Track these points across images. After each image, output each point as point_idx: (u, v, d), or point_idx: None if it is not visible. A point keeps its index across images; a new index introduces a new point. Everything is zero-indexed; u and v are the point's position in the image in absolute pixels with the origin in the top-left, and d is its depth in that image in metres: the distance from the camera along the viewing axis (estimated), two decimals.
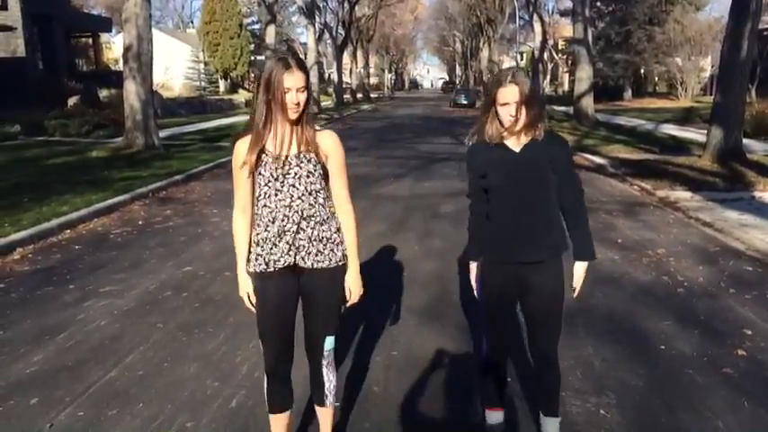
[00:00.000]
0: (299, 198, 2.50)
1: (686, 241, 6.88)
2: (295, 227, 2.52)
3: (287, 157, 2.48)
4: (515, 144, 2.75)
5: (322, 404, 2.80)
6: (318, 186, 2.54)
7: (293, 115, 2.43)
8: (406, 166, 13.15)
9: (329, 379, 2.75)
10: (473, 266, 2.99)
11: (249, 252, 2.60)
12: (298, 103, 2.41)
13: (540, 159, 2.73)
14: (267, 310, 2.59)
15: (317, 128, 2.59)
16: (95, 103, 22.40)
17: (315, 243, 2.56)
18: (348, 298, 2.71)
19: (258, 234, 2.56)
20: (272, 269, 2.56)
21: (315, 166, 2.52)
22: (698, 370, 3.85)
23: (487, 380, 3.06)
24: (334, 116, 30.48)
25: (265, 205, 2.52)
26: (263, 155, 2.49)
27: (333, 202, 2.65)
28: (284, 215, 2.51)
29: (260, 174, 2.50)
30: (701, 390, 3.61)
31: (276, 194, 2.50)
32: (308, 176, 2.50)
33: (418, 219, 8.14)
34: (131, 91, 14.33)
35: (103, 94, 24.04)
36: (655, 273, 5.79)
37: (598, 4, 40.16)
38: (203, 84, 46.37)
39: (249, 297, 2.62)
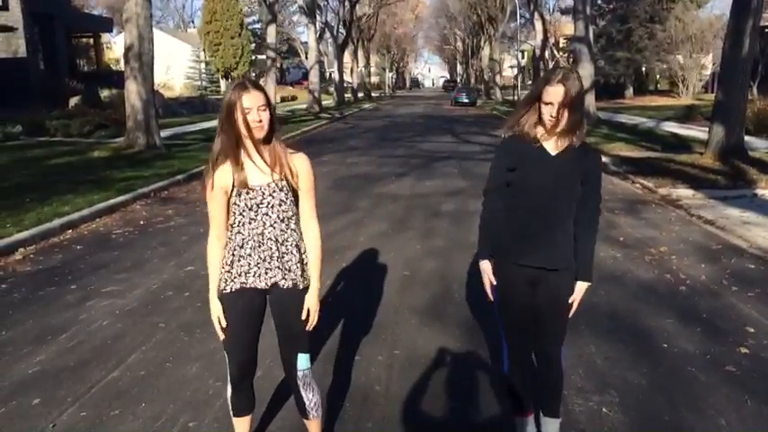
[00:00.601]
0: (272, 226, 2.55)
1: (688, 239, 6.87)
2: (277, 252, 2.57)
3: (260, 187, 2.52)
4: (552, 147, 2.70)
5: (306, 418, 2.84)
6: (290, 213, 2.59)
7: (259, 133, 2.46)
8: (407, 164, 13.14)
9: (309, 398, 2.76)
10: (485, 266, 2.88)
11: (220, 273, 2.63)
12: (260, 121, 2.44)
13: (573, 169, 2.68)
14: (231, 327, 2.64)
15: (290, 150, 2.62)
16: (97, 104, 22.42)
17: (284, 266, 2.60)
18: (304, 317, 2.66)
19: (230, 258, 2.60)
20: (242, 286, 2.60)
21: (287, 194, 2.56)
22: (700, 368, 3.84)
23: (513, 392, 3.00)
24: (336, 115, 30.48)
25: (239, 232, 2.57)
26: (237, 185, 2.52)
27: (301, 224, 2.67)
28: (258, 242, 2.56)
29: (235, 204, 2.54)
30: (703, 388, 3.60)
31: (250, 223, 2.54)
32: (280, 205, 2.55)
33: (419, 218, 8.13)
34: (132, 91, 14.34)
35: (105, 94, 24.06)
36: (657, 271, 5.78)
37: (599, 1, 40.09)
38: (204, 83, 46.45)
39: (219, 321, 2.64)
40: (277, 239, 2.56)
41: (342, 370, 3.87)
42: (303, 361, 2.73)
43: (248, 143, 2.50)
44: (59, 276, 5.76)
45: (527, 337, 2.90)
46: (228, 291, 2.60)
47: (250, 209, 2.53)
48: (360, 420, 3.31)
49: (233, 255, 2.58)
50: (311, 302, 2.67)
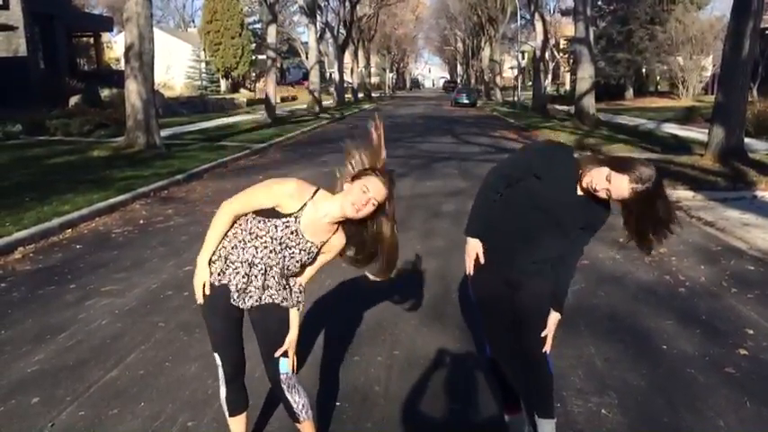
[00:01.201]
0: (276, 266, 2.55)
1: (688, 240, 6.87)
2: (259, 289, 2.58)
3: (303, 238, 2.52)
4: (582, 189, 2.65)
5: (297, 421, 2.82)
6: (294, 270, 2.61)
7: (354, 214, 2.47)
8: (407, 165, 13.13)
9: (295, 401, 2.75)
10: (472, 242, 2.84)
11: (211, 261, 2.64)
12: (363, 207, 2.45)
13: (586, 220, 2.72)
14: (221, 329, 2.67)
15: (339, 230, 2.61)
16: (97, 103, 22.41)
17: (269, 302, 2.63)
18: (285, 344, 2.69)
19: (219, 260, 2.62)
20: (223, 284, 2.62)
21: (310, 257, 2.58)
22: (700, 369, 3.84)
23: (498, 378, 3.04)
24: (336, 115, 30.47)
25: (244, 243, 2.56)
26: (293, 218, 2.51)
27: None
28: (251, 265, 2.56)
29: (274, 225, 2.51)
30: (702, 389, 3.60)
31: (259, 249, 2.53)
32: (298, 262, 2.56)
33: (419, 218, 8.13)
34: (133, 90, 14.33)
35: (105, 93, 24.05)
36: (656, 272, 5.78)
37: (599, 3, 40.11)
38: (204, 83, 46.46)
39: (204, 287, 2.64)
40: (265, 278, 2.57)
41: (341, 370, 3.87)
42: (284, 365, 2.72)
43: (334, 210, 2.51)
44: (59, 275, 5.76)
45: (507, 338, 2.92)
46: (215, 284, 2.61)
47: (274, 239, 2.51)
48: (359, 421, 3.31)
49: (223, 259, 2.60)
50: (291, 340, 2.70)
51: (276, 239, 2.51)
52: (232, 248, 2.58)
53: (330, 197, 2.55)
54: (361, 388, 3.65)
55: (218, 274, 2.61)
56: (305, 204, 2.51)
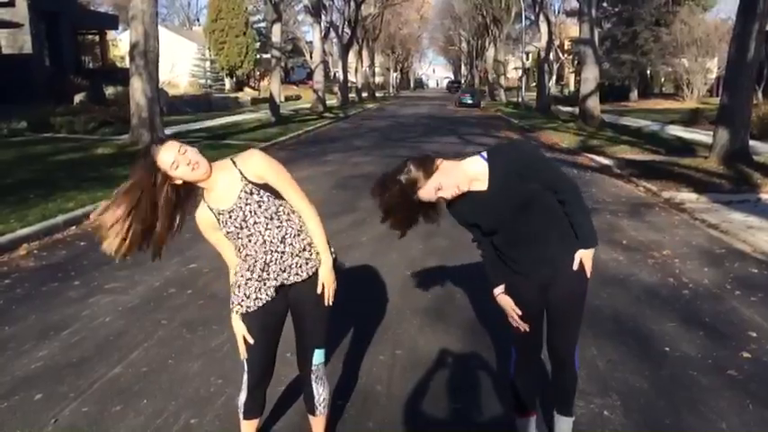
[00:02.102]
0: (267, 229, 2.54)
1: (692, 243, 6.85)
2: (279, 255, 2.57)
3: (235, 204, 2.51)
4: (475, 185, 2.54)
5: (313, 414, 2.86)
6: (274, 208, 2.55)
7: (201, 173, 2.43)
8: None
9: (319, 392, 2.80)
10: (498, 292, 2.79)
11: (233, 295, 2.64)
12: (189, 162, 2.38)
13: (514, 186, 2.53)
14: (252, 338, 2.65)
15: (235, 159, 2.57)
16: (101, 100, 22.48)
17: (298, 257, 2.61)
18: (321, 290, 2.68)
19: (242, 276, 2.62)
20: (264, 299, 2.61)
21: (260, 194, 2.53)
22: (702, 372, 3.84)
23: (517, 393, 2.98)
24: (340, 115, 30.49)
25: (247, 254, 2.57)
26: (219, 215, 2.53)
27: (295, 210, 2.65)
28: (264, 251, 2.56)
29: (228, 232, 2.54)
30: (705, 392, 3.59)
31: (249, 240, 2.54)
32: (260, 206, 2.52)
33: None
34: (137, 88, 14.37)
35: (110, 91, 24.11)
36: (660, 274, 5.77)
37: (604, 4, 40.00)
38: (209, 81, 46.49)
39: (246, 339, 2.65)
40: (277, 239, 2.55)
41: (343, 370, 3.88)
42: (318, 356, 2.75)
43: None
44: (62, 272, 5.78)
45: (537, 341, 2.88)
46: (245, 312, 2.61)
47: (241, 228, 2.52)
48: (361, 420, 3.31)
49: (249, 272, 2.59)
50: (324, 276, 2.67)
51: (239, 228, 2.52)
52: (246, 270, 2.61)
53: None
54: (364, 387, 3.65)
55: (244, 299, 2.62)
56: (206, 204, 2.56)
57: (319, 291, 2.67)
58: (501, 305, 2.80)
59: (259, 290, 2.60)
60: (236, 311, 2.63)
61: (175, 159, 2.35)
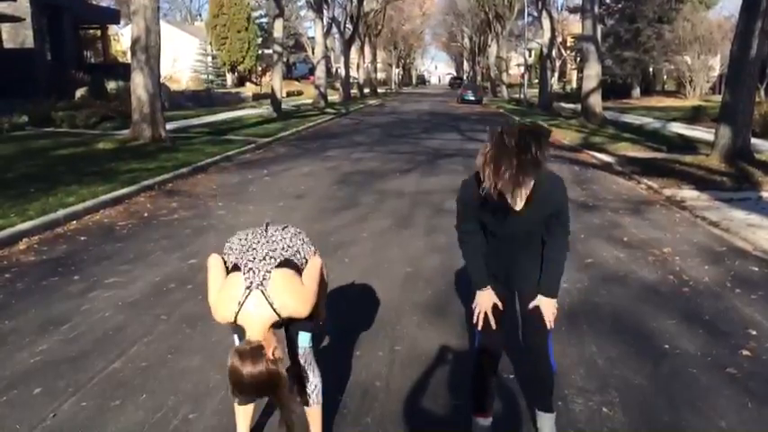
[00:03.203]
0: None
1: (692, 240, 6.85)
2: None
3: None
4: (514, 197, 2.44)
5: (306, 404, 2.84)
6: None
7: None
8: (412, 161, 13.13)
9: (309, 379, 2.78)
10: (483, 294, 2.87)
11: None
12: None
13: (541, 217, 2.69)
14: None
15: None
16: (103, 95, 22.47)
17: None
18: None
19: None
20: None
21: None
22: (702, 369, 3.83)
23: (476, 381, 3.07)
24: (341, 111, 30.46)
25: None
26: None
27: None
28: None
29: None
30: (704, 389, 3.59)
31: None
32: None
33: (424, 214, 8.13)
34: (139, 83, 14.36)
35: (111, 85, 24.09)
36: (660, 272, 5.77)
37: (607, 1, 39.93)
38: (211, 77, 46.45)
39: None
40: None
41: (342, 365, 3.87)
42: (304, 338, 2.74)
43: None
44: (63, 267, 5.78)
45: (500, 339, 2.97)
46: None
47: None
48: (359, 416, 3.31)
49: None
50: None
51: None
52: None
53: None
54: (362, 383, 3.65)
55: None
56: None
57: None
58: (480, 300, 2.88)
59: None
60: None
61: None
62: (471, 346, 3.08)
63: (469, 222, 2.85)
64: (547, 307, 2.83)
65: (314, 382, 2.80)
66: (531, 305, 2.85)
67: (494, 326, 2.90)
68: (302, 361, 2.75)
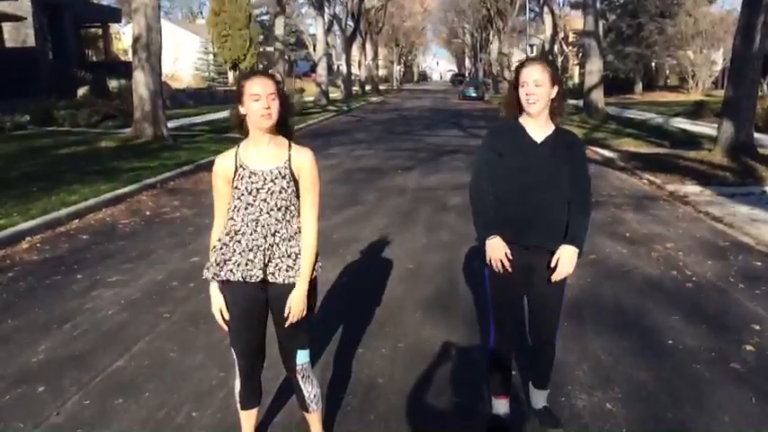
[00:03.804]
0: (267, 213, 2.54)
1: (695, 236, 6.83)
2: (266, 243, 2.56)
3: (263, 171, 2.52)
4: (536, 133, 2.81)
5: (306, 411, 2.86)
6: (288, 203, 2.57)
7: (266, 122, 2.46)
8: (413, 158, 13.12)
9: (308, 391, 2.79)
10: (492, 242, 2.82)
11: (211, 258, 2.64)
12: (268, 108, 2.43)
13: (557, 155, 2.78)
14: (238, 322, 2.64)
15: (295, 146, 2.62)
16: (105, 94, 22.46)
17: (284, 259, 2.59)
18: (286, 314, 2.62)
19: (221, 245, 2.61)
20: (239, 279, 2.60)
21: (288, 183, 2.55)
22: (705, 365, 3.82)
23: (494, 370, 3.11)
24: (343, 108, 30.44)
25: (232, 218, 2.56)
26: (241, 168, 2.53)
27: (300, 218, 2.64)
28: (252, 230, 2.54)
29: (235, 187, 2.54)
30: (708, 385, 3.58)
31: (246, 208, 2.54)
32: (280, 192, 2.54)
33: (425, 211, 8.12)
34: (140, 81, 14.36)
35: (113, 84, 24.09)
36: (663, 267, 5.75)
37: None
38: (212, 75, 46.43)
39: (222, 313, 2.65)
40: (270, 228, 2.55)
41: (345, 362, 3.87)
42: (302, 356, 2.74)
43: (256, 133, 2.52)
44: (65, 266, 5.79)
45: (515, 317, 3.01)
46: (222, 278, 2.61)
47: (249, 193, 2.52)
48: (362, 413, 3.31)
49: (230, 240, 2.57)
50: (293, 299, 2.60)
51: (248, 191, 2.53)
52: (227, 234, 2.59)
53: (248, 137, 2.57)
54: (366, 380, 3.65)
55: (220, 263, 2.60)
56: (235, 152, 2.56)
57: (286, 312, 2.61)
58: (491, 249, 2.83)
59: (237, 264, 2.57)
60: (208, 276, 2.64)
61: (259, 93, 2.44)
62: (488, 330, 3.07)
63: (485, 180, 2.88)
64: (568, 258, 2.79)
65: (313, 392, 2.81)
66: (554, 260, 2.80)
67: (510, 309, 2.95)
68: (300, 377, 2.75)
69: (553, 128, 2.83)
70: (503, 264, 2.81)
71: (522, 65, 2.78)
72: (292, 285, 2.61)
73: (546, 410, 3.19)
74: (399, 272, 5.65)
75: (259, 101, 2.43)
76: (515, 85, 2.79)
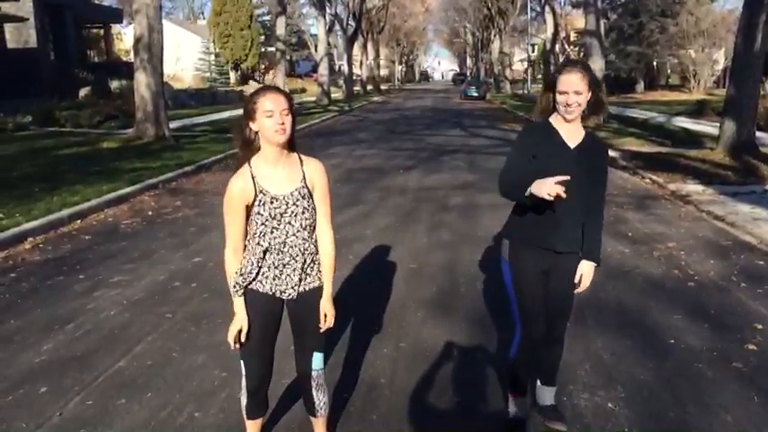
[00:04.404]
0: (294, 235, 2.55)
1: (697, 235, 6.82)
2: (297, 264, 2.58)
3: (284, 196, 2.52)
4: (570, 138, 2.82)
5: (313, 416, 2.87)
6: (311, 221, 2.60)
7: (279, 138, 2.44)
8: (415, 158, 13.12)
9: (319, 398, 2.80)
10: (539, 182, 2.59)
11: (236, 274, 2.60)
12: (282, 124, 2.43)
13: (588, 161, 2.81)
14: (252, 335, 2.62)
15: (304, 158, 2.63)
16: (106, 94, 22.49)
17: (307, 274, 2.64)
18: (323, 322, 2.68)
19: (248, 267, 2.58)
20: (268, 292, 2.60)
21: (309, 201, 2.57)
22: (707, 364, 3.82)
23: (518, 369, 3.14)
24: (345, 108, 30.44)
25: (259, 243, 2.55)
26: (261, 194, 2.51)
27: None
28: (279, 251, 2.55)
29: (258, 213, 2.52)
30: (710, 384, 3.58)
31: (272, 232, 2.54)
32: (303, 213, 2.56)
33: (427, 211, 8.12)
34: (142, 82, 14.38)
35: (114, 85, 24.12)
36: (665, 266, 5.75)
37: None
38: (213, 75, 46.42)
39: (240, 333, 2.60)
40: (299, 248, 2.57)
41: (347, 362, 3.88)
42: (318, 361, 2.74)
43: (268, 149, 2.50)
44: (67, 266, 5.79)
45: (541, 318, 3.00)
46: (250, 288, 2.59)
47: (273, 218, 2.52)
48: (365, 413, 3.31)
49: (252, 263, 2.56)
50: (326, 307, 2.67)
51: (272, 216, 2.51)
52: (255, 258, 2.57)
53: (259, 154, 2.55)
54: (368, 380, 3.65)
55: (249, 283, 2.59)
56: (251, 174, 2.51)
57: (322, 321, 2.67)
58: (542, 186, 2.58)
59: (266, 277, 2.58)
60: (237, 291, 2.58)
61: (273, 109, 2.42)
62: (514, 329, 3.11)
63: (515, 173, 2.81)
64: (589, 275, 2.95)
65: (323, 400, 2.82)
66: (576, 278, 2.92)
67: (536, 308, 2.95)
68: (314, 384, 2.76)
69: (584, 133, 2.86)
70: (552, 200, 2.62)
71: (560, 71, 2.75)
72: (313, 290, 2.66)
73: (552, 408, 3.19)
74: (401, 271, 5.65)
75: (272, 117, 2.41)
76: (552, 89, 2.77)
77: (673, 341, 4.15)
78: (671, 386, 3.56)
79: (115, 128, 17.25)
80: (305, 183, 2.56)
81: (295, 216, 2.54)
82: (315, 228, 2.64)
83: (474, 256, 6.02)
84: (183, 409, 3.34)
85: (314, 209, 2.59)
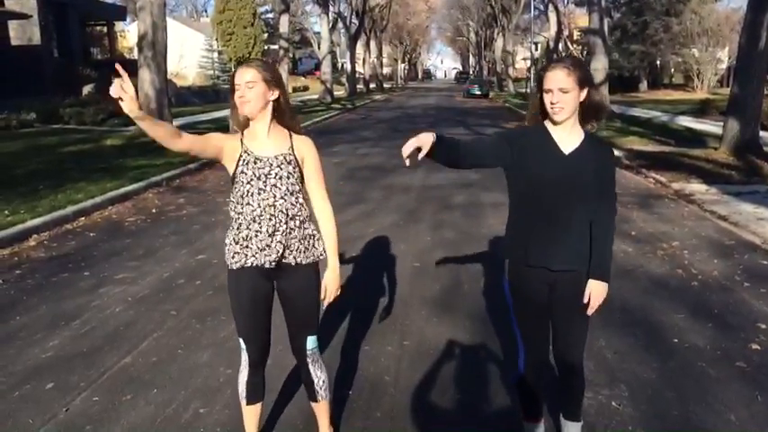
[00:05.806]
0: (282, 198, 2.58)
1: (701, 234, 6.82)
2: (284, 226, 2.60)
3: (268, 158, 2.58)
4: (564, 142, 2.53)
5: (314, 400, 2.88)
6: (297, 188, 2.63)
7: (243, 109, 2.52)
8: None
9: (317, 376, 2.82)
10: (426, 135, 2.57)
11: (227, 250, 2.67)
12: (242, 96, 2.50)
13: (586, 167, 2.52)
14: (243, 310, 2.66)
15: (295, 135, 2.69)
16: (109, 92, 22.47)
17: (302, 241, 2.66)
18: (324, 296, 2.72)
19: (239, 233, 2.62)
20: (251, 265, 2.61)
21: (294, 168, 2.62)
22: (711, 363, 3.83)
23: (525, 393, 2.87)
24: (348, 106, 30.44)
25: (248, 203, 2.58)
26: (246, 153, 2.57)
27: (310, 203, 2.72)
28: (270, 214, 2.57)
29: (242, 172, 2.57)
30: (713, 383, 3.59)
31: (259, 193, 2.57)
32: (288, 177, 2.59)
33: (430, 209, 8.13)
34: (146, 79, 14.39)
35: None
36: (669, 265, 5.75)
37: None
38: (217, 73, 46.40)
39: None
40: (287, 213, 2.59)
41: (351, 360, 3.89)
42: (311, 341, 2.78)
43: (253, 122, 2.58)
44: (72, 263, 5.82)
45: (543, 339, 2.75)
46: (237, 267, 2.62)
47: (258, 178, 2.56)
48: (368, 410, 3.33)
49: (246, 228, 2.59)
50: (329, 279, 2.71)
51: (256, 176, 2.56)
52: (246, 222, 2.60)
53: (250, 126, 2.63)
54: (371, 378, 3.66)
55: (240, 246, 2.62)
56: (241, 139, 2.60)
57: (322, 294, 2.71)
58: (418, 137, 2.55)
59: (255, 251, 2.60)
60: (232, 265, 2.63)
61: (238, 83, 2.51)
62: (516, 350, 2.85)
63: (489, 147, 2.62)
64: (598, 293, 2.61)
65: (322, 378, 2.84)
66: (585, 296, 2.60)
67: (537, 329, 2.71)
68: (309, 361, 2.79)
69: (583, 136, 2.55)
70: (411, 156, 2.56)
71: (545, 68, 2.49)
72: (308, 266, 2.68)
73: None
74: (405, 269, 5.66)
75: (238, 90, 2.51)
76: (540, 90, 2.50)
77: (676, 340, 4.16)
78: (674, 385, 3.57)
79: (119, 125, 17.27)
80: (292, 152, 2.63)
81: (280, 179, 2.57)
82: (304, 198, 2.67)
83: (478, 254, 6.02)
84: (189, 405, 3.36)
85: (300, 177, 2.64)
